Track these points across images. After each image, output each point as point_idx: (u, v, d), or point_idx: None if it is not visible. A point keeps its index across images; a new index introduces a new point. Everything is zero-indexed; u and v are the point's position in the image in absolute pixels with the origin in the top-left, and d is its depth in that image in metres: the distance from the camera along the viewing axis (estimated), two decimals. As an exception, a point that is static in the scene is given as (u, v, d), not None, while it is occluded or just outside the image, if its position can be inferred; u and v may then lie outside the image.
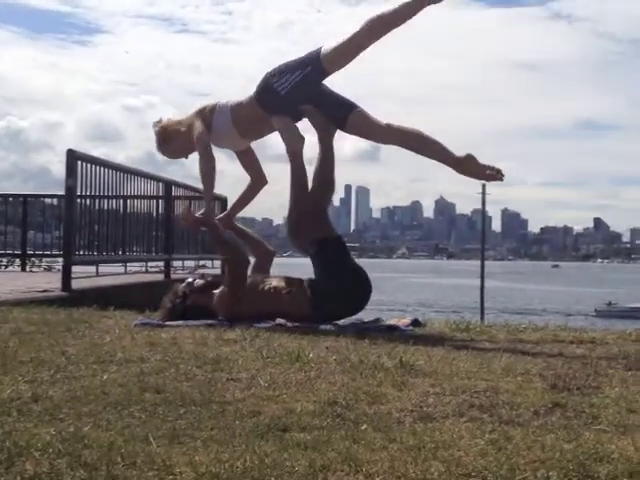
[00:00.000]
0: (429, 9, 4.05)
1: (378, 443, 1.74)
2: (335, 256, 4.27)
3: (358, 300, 4.28)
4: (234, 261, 4.30)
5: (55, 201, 11.41)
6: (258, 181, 4.68)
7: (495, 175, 4.19)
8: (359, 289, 4.29)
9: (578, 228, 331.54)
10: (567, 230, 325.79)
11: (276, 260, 4.74)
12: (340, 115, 4.31)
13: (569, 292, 56.44)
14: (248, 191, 4.70)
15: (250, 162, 4.65)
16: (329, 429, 1.88)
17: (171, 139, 4.48)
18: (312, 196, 4.34)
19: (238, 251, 4.37)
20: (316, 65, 4.18)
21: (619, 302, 40.86)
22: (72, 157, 6.46)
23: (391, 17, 4.12)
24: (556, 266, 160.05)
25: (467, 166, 4.20)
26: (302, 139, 4.32)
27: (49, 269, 11.11)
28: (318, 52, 4.19)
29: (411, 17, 4.11)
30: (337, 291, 4.17)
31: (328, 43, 4.21)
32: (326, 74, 4.22)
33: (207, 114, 4.39)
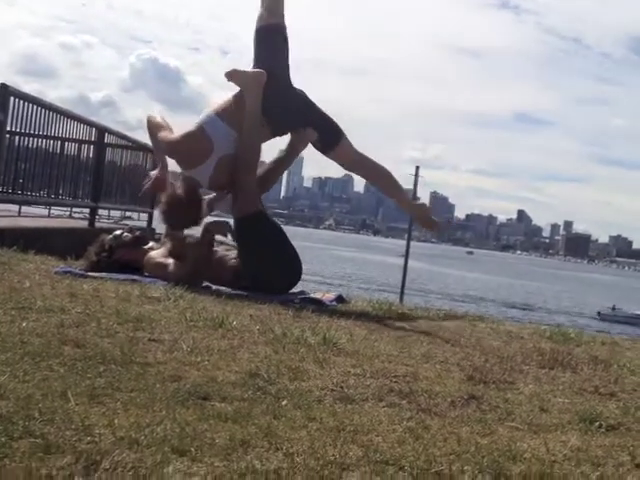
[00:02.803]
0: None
1: (298, 421, 1.75)
2: (260, 234, 4.20)
3: (282, 282, 4.20)
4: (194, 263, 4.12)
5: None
6: None
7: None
8: (285, 271, 4.23)
9: (502, 218, 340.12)
10: (491, 219, 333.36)
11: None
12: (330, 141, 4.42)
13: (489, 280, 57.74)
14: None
15: None
16: (250, 402, 1.88)
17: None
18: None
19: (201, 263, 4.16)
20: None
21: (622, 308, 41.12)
22: (5, 92, 6.25)
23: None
24: (470, 253, 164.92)
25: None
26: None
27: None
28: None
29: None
30: (261, 271, 4.11)
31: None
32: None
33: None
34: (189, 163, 4.22)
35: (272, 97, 4.22)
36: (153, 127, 4.31)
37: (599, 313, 40.04)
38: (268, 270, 4.12)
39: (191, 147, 4.18)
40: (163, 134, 4.25)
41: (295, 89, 4.37)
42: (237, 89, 4.28)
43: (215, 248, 4.23)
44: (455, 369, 2.58)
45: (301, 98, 4.36)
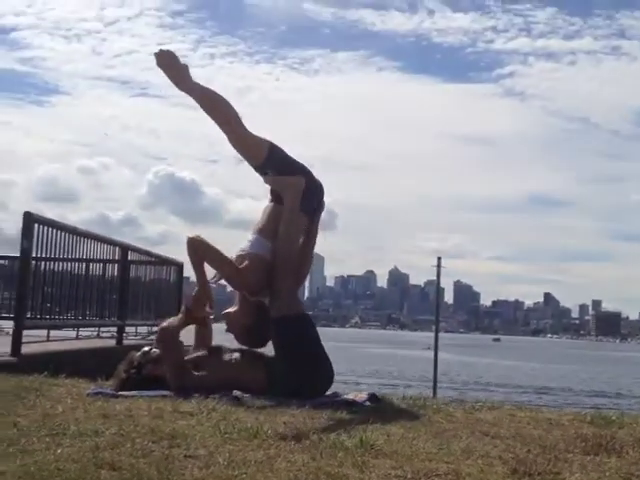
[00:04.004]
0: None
1: (343, 530, 1.71)
2: (296, 337, 4.22)
3: (315, 387, 4.16)
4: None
5: (7, 261, 11.18)
6: None
7: None
8: (318, 376, 4.20)
9: (529, 302, 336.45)
10: (518, 304, 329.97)
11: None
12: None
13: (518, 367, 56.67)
14: None
15: None
16: (292, 513, 1.85)
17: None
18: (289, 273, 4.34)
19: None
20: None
21: None
22: (29, 220, 6.40)
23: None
24: (497, 340, 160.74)
25: None
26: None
27: (-3, 331, 10.83)
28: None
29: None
30: (294, 374, 4.09)
31: None
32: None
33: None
34: (258, 291, 4.34)
35: (307, 193, 4.40)
36: (204, 252, 4.26)
37: None
38: (303, 373, 4.10)
39: (259, 278, 4.29)
40: (228, 270, 4.29)
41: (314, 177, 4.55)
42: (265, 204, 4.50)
43: (235, 355, 4.23)
44: (498, 463, 2.52)
45: (318, 183, 4.56)
